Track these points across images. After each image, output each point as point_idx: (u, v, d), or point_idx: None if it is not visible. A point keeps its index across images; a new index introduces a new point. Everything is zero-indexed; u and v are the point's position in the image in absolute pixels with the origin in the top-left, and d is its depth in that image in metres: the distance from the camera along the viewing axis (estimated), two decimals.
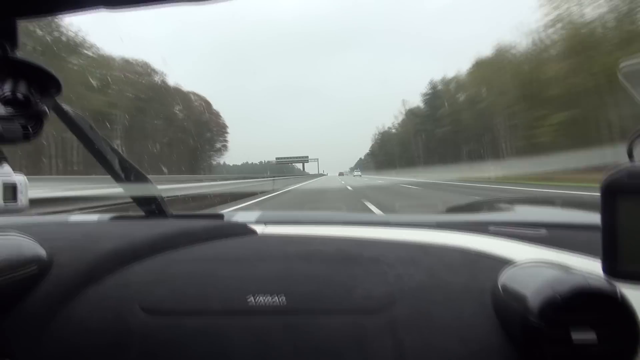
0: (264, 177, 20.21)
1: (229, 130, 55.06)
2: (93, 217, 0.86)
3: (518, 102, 27.79)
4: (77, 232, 0.68)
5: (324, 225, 0.74)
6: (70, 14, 0.29)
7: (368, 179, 31.58)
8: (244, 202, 9.02)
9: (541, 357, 0.38)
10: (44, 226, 0.74)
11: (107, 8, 0.27)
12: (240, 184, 13.02)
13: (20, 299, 0.50)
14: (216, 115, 53.76)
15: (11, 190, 0.44)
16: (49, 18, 0.29)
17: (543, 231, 0.62)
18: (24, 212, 0.49)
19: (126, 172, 0.75)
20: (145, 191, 0.79)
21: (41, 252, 0.52)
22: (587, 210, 0.82)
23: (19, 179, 0.46)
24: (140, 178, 0.77)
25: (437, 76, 57.18)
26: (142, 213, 0.83)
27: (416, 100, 60.59)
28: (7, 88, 0.37)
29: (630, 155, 0.35)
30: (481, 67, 35.15)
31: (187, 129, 46.06)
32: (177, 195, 6.05)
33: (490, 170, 20.83)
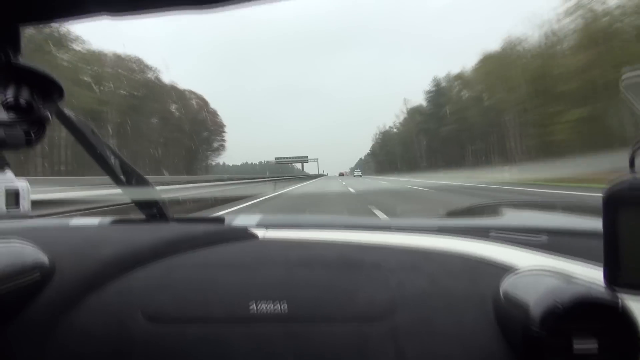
0: (258, 178, 18.70)
1: (226, 129, 53.51)
2: (94, 221, 0.83)
3: (530, 98, 26.26)
4: (79, 236, 0.69)
5: (325, 230, 0.72)
6: (73, 21, 0.29)
7: (371, 180, 29.95)
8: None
9: None
10: (45, 230, 0.74)
11: (110, 15, 0.28)
12: (228, 186, 11.53)
13: (24, 307, 0.50)
14: (213, 113, 52.29)
15: (14, 196, 0.45)
16: (52, 24, 0.30)
17: (544, 237, 0.61)
18: (25, 217, 0.49)
19: (128, 176, 0.75)
20: (146, 195, 0.79)
21: (43, 258, 0.53)
22: (588, 215, 0.80)
23: (22, 184, 0.47)
24: (141, 182, 0.77)
25: (439, 75, 55.74)
26: (143, 216, 0.82)
27: (418, 99, 59.31)
28: (9, 94, 0.37)
29: (631, 165, 0.36)
30: (489, 62, 33.46)
31: (183, 128, 44.69)
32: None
33: (504, 170, 19.24)
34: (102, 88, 34.77)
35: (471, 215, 1.16)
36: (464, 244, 0.61)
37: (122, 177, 0.74)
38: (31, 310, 0.50)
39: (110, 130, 32.42)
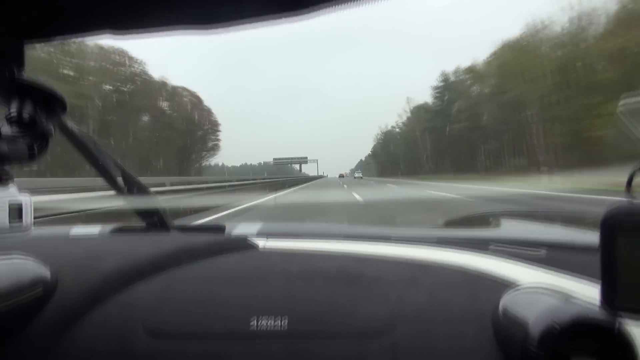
0: (243, 181, 15.73)
1: (222, 128, 50.53)
2: (94, 230, 0.83)
3: (558, 89, 23.18)
4: (80, 248, 0.69)
5: (325, 239, 0.72)
6: (77, 38, 0.29)
7: (375, 183, 26.62)
8: None
9: None
10: (47, 241, 0.75)
11: (113, 34, 0.28)
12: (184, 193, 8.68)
13: (27, 322, 0.50)
14: (208, 111, 49.34)
15: (17, 211, 0.45)
16: (56, 42, 0.30)
17: (543, 251, 0.62)
18: (28, 232, 0.49)
19: (129, 186, 0.76)
20: (147, 203, 0.79)
21: (46, 273, 0.54)
22: (586, 228, 0.80)
23: (25, 198, 0.47)
24: (142, 191, 0.78)
25: (445, 70, 52.67)
26: (143, 224, 0.82)
27: (420, 99, 56.13)
28: (13, 109, 0.38)
29: (628, 190, 0.36)
30: (507, 52, 30.17)
31: (174, 126, 41.73)
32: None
33: (541, 174, 16.07)
34: (83, 82, 32.02)
35: (470, 225, 1.17)
36: (464, 257, 0.61)
37: (123, 186, 0.75)
38: (34, 326, 0.50)
39: (92, 127, 29.72)
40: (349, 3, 0.24)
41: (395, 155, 66.59)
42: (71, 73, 30.65)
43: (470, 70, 39.24)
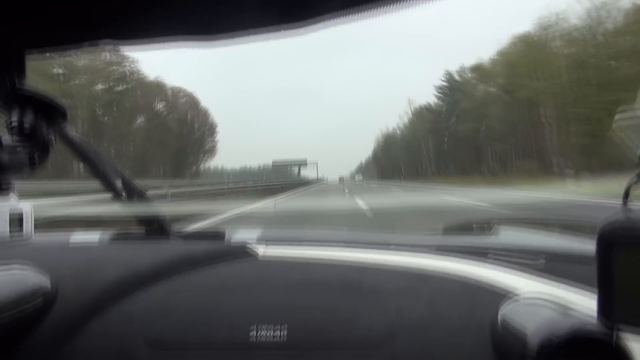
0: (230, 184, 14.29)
1: (219, 129, 49.05)
2: (94, 237, 0.83)
3: (576, 86, 21.56)
4: (80, 257, 0.69)
5: (325, 246, 0.72)
6: (78, 48, 0.29)
7: (377, 187, 25.04)
8: None
9: None
10: (47, 250, 0.74)
11: (114, 44, 0.28)
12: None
13: (28, 333, 0.50)
14: (205, 113, 47.90)
15: (17, 221, 0.45)
16: (58, 52, 0.30)
17: (542, 261, 0.62)
18: (28, 241, 0.49)
19: (129, 193, 0.76)
20: (147, 210, 0.79)
21: (46, 283, 0.54)
22: (585, 236, 0.81)
23: (25, 208, 0.47)
24: (143, 198, 0.78)
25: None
26: (142, 230, 0.82)
27: (422, 100, 54.62)
28: (14, 119, 0.38)
29: (625, 199, 0.36)
30: (517, 47, 28.61)
31: (170, 127, 40.32)
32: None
33: (566, 178, 14.50)
34: (73, 81, 30.66)
35: (469, 231, 1.16)
36: (463, 265, 0.61)
37: (123, 194, 0.75)
38: (35, 336, 0.50)
39: (81, 128, 28.34)
40: (347, 16, 0.24)
41: (396, 159, 65.12)
42: (60, 71, 29.32)
43: (477, 68, 37.58)
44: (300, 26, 0.25)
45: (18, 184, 0.42)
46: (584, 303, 0.46)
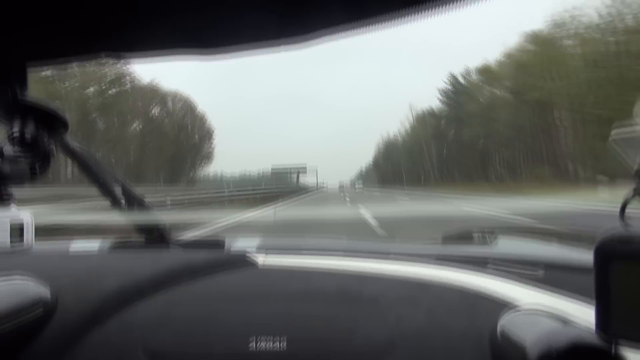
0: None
1: (216, 135, 47.68)
2: (94, 246, 0.83)
3: (597, 85, 20.14)
4: (80, 266, 0.68)
5: (325, 255, 0.72)
6: (79, 60, 0.30)
7: (380, 194, 23.45)
8: None
9: None
10: (47, 260, 0.73)
11: (114, 57, 0.29)
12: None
13: (28, 343, 0.50)
14: (201, 118, 46.57)
15: (18, 231, 0.45)
16: (59, 64, 0.30)
17: (541, 271, 0.62)
18: (28, 251, 0.49)
19: (129, 201, 0.76)
20: (147, 219, 0.79)
21: (46, 293, 0.54)
22: (583, 246, 0.81)
23: (26, 217, 0.47)
24: (143, 206, 0.78)
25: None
26: (142, 239, 0.82)
27: (423, 105, 53.29)
28: (16, 129, 0.38)
29: (622, 213, 0.36)
30: (529, 46, 27.26)
31: (166, 132, 38.98)
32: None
33: (599, 185, 13.00)
34: (62, 83, 29.37)
35: (468, 241, 1.16)
36: (462, 275, 0.61)
37: (123, 202, 0.75)
38: (35, 346, 0.50)
39: (73, 132, 26.98)
40: (345, 32, 0.25)
41: (397, 165, 63.71)
42: (49, 73, 28.04)
43: (484, 70, 36.22)
44: (299, 41, 0.26)
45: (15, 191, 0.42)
46: (583, 314, 0.47)
